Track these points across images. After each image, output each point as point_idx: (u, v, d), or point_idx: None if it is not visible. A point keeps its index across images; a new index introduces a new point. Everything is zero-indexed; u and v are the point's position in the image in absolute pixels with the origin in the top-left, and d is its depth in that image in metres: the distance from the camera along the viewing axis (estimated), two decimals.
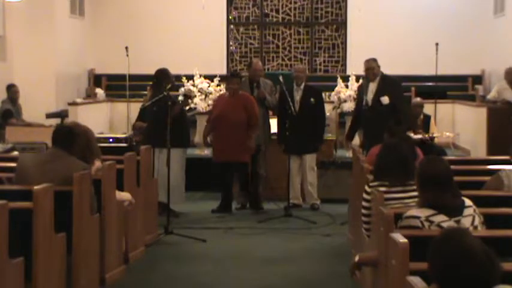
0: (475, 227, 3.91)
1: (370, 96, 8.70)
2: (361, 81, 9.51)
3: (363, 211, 5.07)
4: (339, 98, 11.73)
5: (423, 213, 3.90)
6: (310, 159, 9.26)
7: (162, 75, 8.70)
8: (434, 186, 3.91)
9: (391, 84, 8.73)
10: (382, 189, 4.74)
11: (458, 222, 3.87)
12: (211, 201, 9.32)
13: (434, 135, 10.45)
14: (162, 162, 7.95)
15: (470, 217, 3.92)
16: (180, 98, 8.32)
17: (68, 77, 13.71)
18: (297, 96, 9.13)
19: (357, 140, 9.89)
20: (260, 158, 9.12)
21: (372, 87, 8.70)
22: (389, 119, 8.28)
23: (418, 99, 11.23)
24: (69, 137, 5.55)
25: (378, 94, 8.61)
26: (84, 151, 5.78)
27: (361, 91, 8.97)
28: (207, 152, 11.05)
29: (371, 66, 8.75)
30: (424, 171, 3.99)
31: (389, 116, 8.32)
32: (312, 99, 9.12)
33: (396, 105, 8.50)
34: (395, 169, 4.77)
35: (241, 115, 8.70)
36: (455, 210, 3.91)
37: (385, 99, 8.55)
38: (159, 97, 8.28)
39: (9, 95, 10.84)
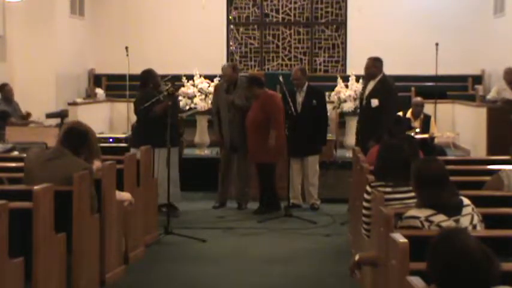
0: (474, 226, 3.92)
1: (365, 95, 8.73)
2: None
3: (364, 211, 5.07)
4: (339, 98, 11.72)
5: (423, 213, 3.91)
6: (312, 160, 9.25)
7: (148, 75, 8.73)
8: (432, 187, 3.92)
9: (385, 87, 8.71)
10: (386, 189, 4.74)
11: (457, 221, 3.87)
12: (212, 201, 9.32)
13: (435, 135, 10.46)
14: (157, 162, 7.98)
15: (469, 216, 3.93)
16: (162, 95, 8.28)
17: (68, 77, 13.71)
18: (300, 97, 9.12)
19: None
20: (240, 158, 9.13)
21: (369, 87, 8.74)
22: (374, 121, 8.34)
23: (418, 99, 11.23)
24: (81, 139, 5.57)
25: (371, 95, 8.62)
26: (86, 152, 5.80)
27: (362, 90, 9.02)
28: (207, 152, 11.06)
29: (367, 65, 8.78)
30: (421, 172, 4.00)
31: (374, 117, 8.36)
32: (313, 101, 9.11)
33: (382, 108, 8.49)
34: (397, 169, 4.77)
35: (257, 116, 8.76)
36: (454, 210, 3.92)
37: (374, 102, 8.56)
38: (158, 97, 8.30)
39: (3, 95, 10.77)
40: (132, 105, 9.31)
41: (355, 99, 10.51)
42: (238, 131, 9.04)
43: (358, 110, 9.44)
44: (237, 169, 9.15)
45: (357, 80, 10.83)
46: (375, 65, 8.72)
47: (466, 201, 4.00)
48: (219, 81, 10.05)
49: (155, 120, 8.19)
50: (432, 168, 3.99)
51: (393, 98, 8.80)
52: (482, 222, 3.99)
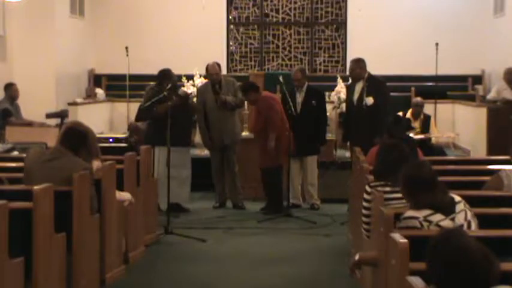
0: (469, 222, 3.95)
1: (355, 96, 8.74)
2: (350, 81, 9.60)
3: (363, 211, 5.07)
4: (339, 98, 11.75)
5: (421, 213, 3.93)
6: (312, 160, 9.26)
7: (163, 75, 8.73)
8: (427, 189, 3.97)
9: (376, 84, 8.74)
10: (386, 189, 4.74)
11: (453, 219, 3.90)
12: (212, 201, 9.32)
13: (434, 135, 10.48)
14: (172, 161, 8.01)
15: (463, 212, 3.97)
16: (165, 93, 8.27)
17: (68, 77, 13.71)
18: (299, 97, 9.14)
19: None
20: (230, 156, 9.14)
21: (358, 87, 8.76)
22: (371, 120, 8.37)
23: (418, 99, 11.23)
24: (80, 139, 5.57)
25: (363, 94, 8.64)
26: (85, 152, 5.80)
27: (349, 91, 9.05)
28: (207, 152, 11.06)
29: (351, 67, 8.87)
30: (414, 177, 4.05)
31: (371, 116, 8.39)
32: (313, 101, 9.12)
33: (378, 106, 8.51)
34: (396, 169, 4.77)
35: (257, 120, 8.85)
36: (449, 208, 3.95)
37: (369, 100, 8.58)
38: (159, 97, 8.30)
39: (9, 94, 10.78)
40: (132, 105, 9.33)
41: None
42: (230, 129, 9.05)
43: (344, 112, 9.50)
44: (228, 168, 9.15)
45: None
46: (359, 66, 8.75)
47: (457, 198, 4.04)
48: (204, 83, 9.99)
49: (164, 119, 8.15)
50: (423, 172, 4.05)
51: (388, 94, 8.86)
52: (474, 217, 4.02)
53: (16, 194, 5.00)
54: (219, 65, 9.24)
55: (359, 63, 8.77)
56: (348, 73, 11.55)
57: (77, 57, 14.19)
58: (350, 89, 9.05)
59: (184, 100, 8.65)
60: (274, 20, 15.40)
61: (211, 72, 9.11)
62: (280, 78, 8.98)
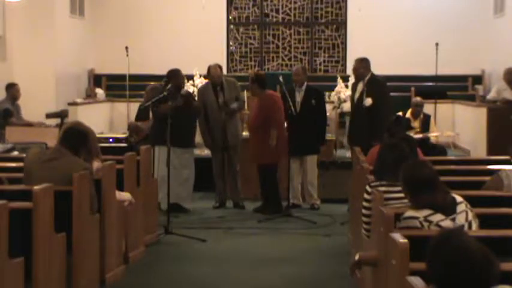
0: (470, 222, 3.95)
1: (356, 95, 8.78)
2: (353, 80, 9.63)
3: (364, 211, 5.07)
4: (339, 98, 11.74)
5: (421, 213, 3.92)
6: (311, 160, 9.26)
7: (170, 75, 8.73)
8: (427, 189, 3.96)
9: (376, 85, 8.76)
10: (386, 188, 4.74)
11: (454, 220, 3.90)
12: (212, 201, 9.32)
13: (433, 134, 10.48)
14: (173, 161, 8.00)
15: (464, 213, 3.97)
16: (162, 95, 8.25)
17: (68, 77, 13.72)
18: (299, 97, 9.13)
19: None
20: (232, 156, 9.15)
21: (359, 87, 8.79)
22: (370, 120, 8.40)
23: (418, 98, 11.24)
24: (80, 139, 5.58)
25: (363, 95, 8.67)
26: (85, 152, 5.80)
27: (352, 90, 9.12)
28: (207, 152, 11.06)
29: (355, 67, 8.94)
30: (414, 177, 4.05)
31: (371, 116, 8.41)
32: (312, 101, 9.12)
33: (378, 107, 8.52)
34: (396, 169, 4.77)
35: (257, 117, 8.83)
36: (450, 208, 3.95)
37: (367, 101, 8.60)
38: (159, 97, 8.29)
39: (11, 94, 10.79)
40: (132, 105, 9.33)
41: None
42: (231, 130, 9.08)
43: (345, 111, 9.56)
44: (229, 167, 9.16)
45: None
46: (362, 65, 8.79)
47: (458, 198, 4.04)
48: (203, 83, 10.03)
49: (165, 119, 8.15)
50: (424, 172, 4.04)
51: (388, 95, 8.86)
52: (476, 218, 4.01)
53: (16, 194, 5.01)
54: (220, 67, 9.25)
55: (363, 62, 8.80)
56: (350, 72, 11.60)
57: (77, 57, 14.19)
58: (353, 88, 9.08)
59: (186, 99, 8.64)
60: (274, 20, 15.41)
61: (213, 74, 9.12)
62: (280, 78, 8.98)
